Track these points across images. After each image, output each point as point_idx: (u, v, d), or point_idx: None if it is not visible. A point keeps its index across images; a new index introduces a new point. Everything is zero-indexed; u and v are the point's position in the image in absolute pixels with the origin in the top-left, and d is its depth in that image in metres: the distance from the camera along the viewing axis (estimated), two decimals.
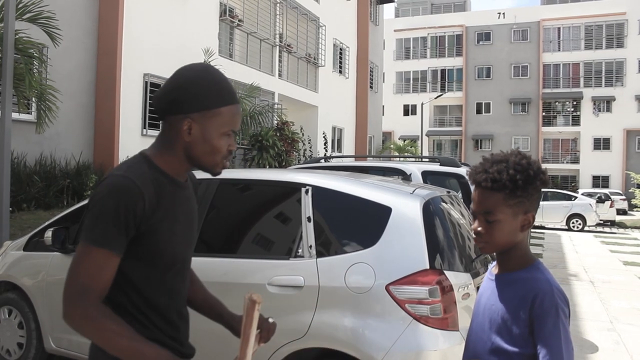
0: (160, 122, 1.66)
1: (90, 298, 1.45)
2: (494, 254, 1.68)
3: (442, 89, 47.57)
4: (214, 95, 1.57)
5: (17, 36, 7.65)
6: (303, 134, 19.09)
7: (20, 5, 8.05)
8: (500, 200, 1.54)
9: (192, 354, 1.75)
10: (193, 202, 1.77)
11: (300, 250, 3.30)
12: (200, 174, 1.77)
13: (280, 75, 19.64)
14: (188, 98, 1.56)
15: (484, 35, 48.47)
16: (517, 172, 1.53)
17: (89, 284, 1.46)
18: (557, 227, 22.59)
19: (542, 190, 1.63)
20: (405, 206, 3.24)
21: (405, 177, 6.53)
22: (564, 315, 1.50)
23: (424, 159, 8.58)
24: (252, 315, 1.57)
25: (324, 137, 21.31)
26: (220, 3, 16.11)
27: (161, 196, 1.57)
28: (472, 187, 1.64)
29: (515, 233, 1.57)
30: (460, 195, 6.05)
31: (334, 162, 8.53)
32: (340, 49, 24.83)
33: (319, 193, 3.41)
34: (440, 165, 7.04)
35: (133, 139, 12.62)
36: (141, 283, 1.57)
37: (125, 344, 1.44)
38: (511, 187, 1.53)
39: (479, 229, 1.59)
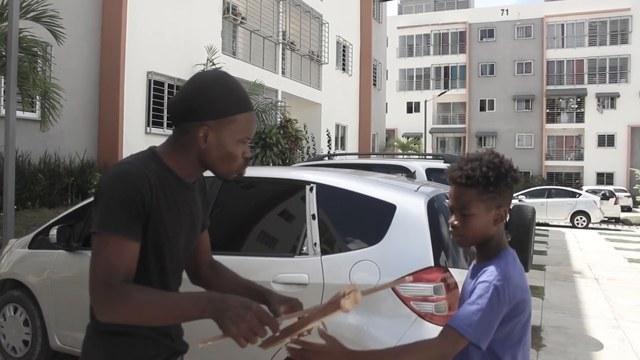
0: (173, 127, 1.65)
1: (112, 285, 1.43)
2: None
3: (446, 86, 47.54)
4: (231, 103, 1.57)
5: (21, 35, 7.66)
6: (306, 132, 19.08)
7: (24, 4, 8.07)
8: (474, 195, 1.65)
9: (185, 350, 1.75)
10: (198, 204, 1.76)
11: (304, 248, 3.29)
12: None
13: (283, 72, 19.63)
14: (204, 105, 1.55)
15: (487, 32, 48.37)
16: (489, 169, 1.64)
17: (109, 274, 1.44)
18: (561, 224, 22.53)
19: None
20: (409, 203, 3.23)
21: (410, 174, 6.52)
22: (495, 298, 1.55)
23: (427, 156, 8.57)
24: (328, 310, 1.43)
25: (327, 134, 21.30)
26: (224, 1, 16.11)
27: (165, 191, 1.57)
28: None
29: (488, 226, 1.67)
30: None
31: (337, 160, 8.53)
32: (344, 47, 24.80)
33: (324, 190, 3.41)
34: (444, 162, 7.02)
35: (137, 136, 12.64)
36: (138, 280, 1.55)
37: (162, 308, 1.41)
38: (484, 183, 1.63)
39: (455, 222, 1.70)
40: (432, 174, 6.59)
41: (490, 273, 1.60)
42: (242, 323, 1.32)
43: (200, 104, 1.55)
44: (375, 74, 27.91)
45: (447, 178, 1.72)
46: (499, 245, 1.70)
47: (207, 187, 1.89)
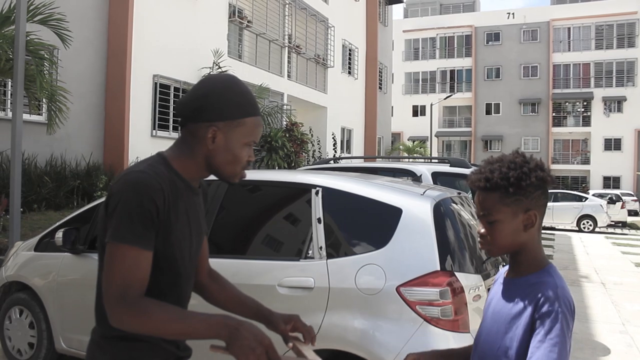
0: (180, 128, 1.65)
1: (130, 297, 1.44)
2: (506, 256, 1.64)
3: (452, 90, 47.45)
4: (240, 106, 1.59)
5: (28, 38, 7.69)
6: (312, 135, 19.08)
7: (31, 8, 8.11)
8: (496, 199, 1.51)
9: (188, 355, 1.76)
10: (202, 209, 1.77)
11: (310, 252, 3.28)
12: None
13: (289, 76, 19.65)
14: (214, 107, 1.56)
15: (494, 36, 48.29)
16: (510, 169, 1.51)
17: (126, 284, 1.45)
18: (567, 228, 22.44)
19: (550, 189, 1.59)
20: (415, 207, 3.22)
21: (416, 178, 6.50)
22: (565, 324, 1.44)
23: (433, 160, 8.55)
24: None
25: (333, 138, 21.30)
26: (230, 4, 16.15)
27: (176, 197, 1.58)
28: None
29: (518, 233, 1.53)
30: (470, 196, 6.02)
31: (343, 163, 8.52)
32: (349, 50, 24.81)
33: (329, 194, 3.40)
34: (450, 166, 7.00)
35: (143, 140, 12.67)
36: (151, 285, 1.55)
37: (177, 328, 1.45)
38: (504, 185, 1.50)
39: (482, 231, 1.57)
40: (438, 177, 6.57)
41: (553, 299, 1.47)
42: (252, 356, 1.38)
43: (210, 105, 1.57)
44: (381, 77, 27.91)
45: (468, 184, 1.60)
46: (539, 257, 1.57)
47: (208, 194, 1.90)
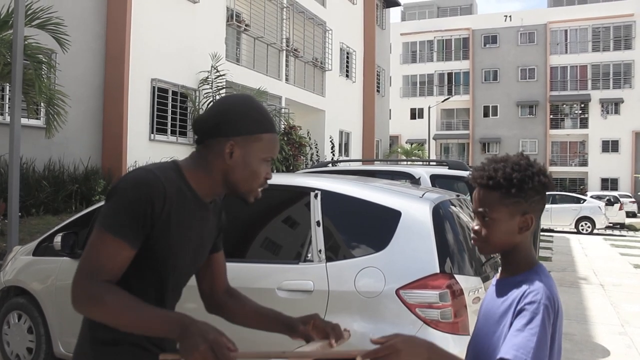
0: (197, 145, 1.66)
1: (95, 280, 1.46)
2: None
3: (449, 93, 47.49)
4: (257, 122, 1.60)
5: (26, 42, 7.69)
6: (310, 138, 19.08)
7: (29, 12, 8.10)
8: (496, 198, 1.52)
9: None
10: (210, 225, 1.75)
11: (309, 255, 3.28)
12: None
13: (287, 79, 19.65)
14: (232, 122, 1.57)
15: (491, 38, 48.40)
16: (514, 170, 1.51)
17: (97, 268, 1.47)
18: (565, 230, 22.46)
19: (547, 193, 1.59)
20: (414, 210, 3.22)
21: (414, 180, 6.50)
22: (547, 317, 1.43)
23: (432, 163, 8.55)
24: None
25: (331, 141, 21.29)
26: (227, 8, 16.16)
27: (179, 205, 1.58)
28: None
29: (512, 234, 1.54)
30: (469, 198, 6.02)
31: (341, 166, 8.52)
32: (347, 53, 24.83)
33: (328, 197, 3.40)
34: (449, 168, 7.01)
35: (141, 143, 12.65)
36: (134, 288, 1.55)
37: (130, 319, 1.45)
38: (506, 186, 1.50)
39: (477, 227, 1.58)
40: (436, 180, 6.57)
41: (536, 292, 1.47)
42: (196, 353, 1.35)
43: (228, 120, 1.58)
44: (379, 80, 27.92)
45: (470, 179, 1.61)
46: (529, 258, 1.58)
47: (223, 213, 1.87)
